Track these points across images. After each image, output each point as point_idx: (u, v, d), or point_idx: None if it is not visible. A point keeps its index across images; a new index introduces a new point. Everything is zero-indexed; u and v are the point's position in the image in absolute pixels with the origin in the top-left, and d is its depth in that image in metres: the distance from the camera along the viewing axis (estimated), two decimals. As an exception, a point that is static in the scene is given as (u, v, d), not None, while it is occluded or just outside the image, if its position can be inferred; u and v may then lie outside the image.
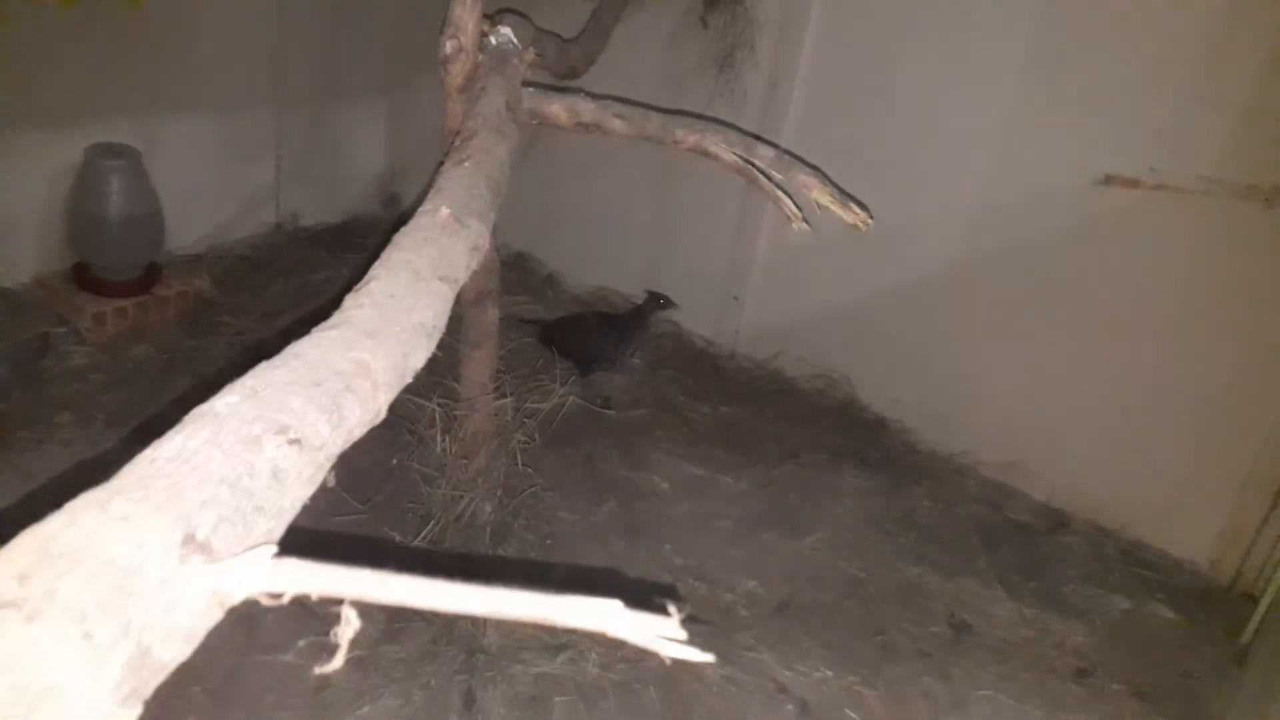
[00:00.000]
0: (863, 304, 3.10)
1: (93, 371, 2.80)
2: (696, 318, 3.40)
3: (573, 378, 2.92)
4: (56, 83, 2.93)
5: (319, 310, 1.04)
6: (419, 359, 1.13)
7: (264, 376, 0.87)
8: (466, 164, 1.52)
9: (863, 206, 2.05)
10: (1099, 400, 2.71)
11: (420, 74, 2.92)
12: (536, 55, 2.05)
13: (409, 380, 1.10)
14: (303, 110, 3.69)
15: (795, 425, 3.00)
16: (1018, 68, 2.66)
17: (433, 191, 1.45)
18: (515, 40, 1.99)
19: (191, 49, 3.26)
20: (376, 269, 1.19)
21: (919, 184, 2.90)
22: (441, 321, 1.20)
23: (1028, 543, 2.63)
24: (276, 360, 0.90)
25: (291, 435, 0.80)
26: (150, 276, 3.08)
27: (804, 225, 2.04)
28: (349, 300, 1.11)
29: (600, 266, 3.67)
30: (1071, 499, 2.78)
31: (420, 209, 1.38)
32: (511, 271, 3.50)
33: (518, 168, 1.82)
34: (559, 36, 2.33)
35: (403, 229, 1.32)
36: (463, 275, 1.33)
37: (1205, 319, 2.53)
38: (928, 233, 2.90)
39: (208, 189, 3.47)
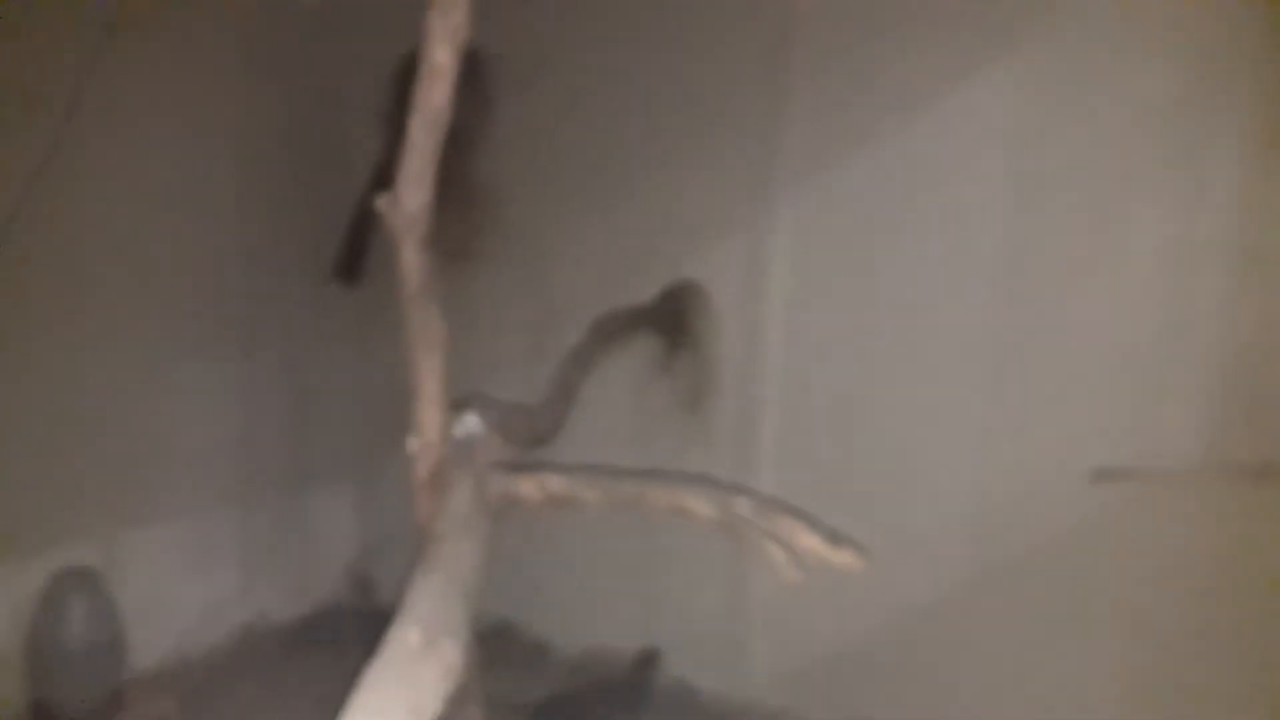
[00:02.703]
0: (877, 634, 2.91)
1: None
2: (699, 669, 3.18)
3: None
4: (17, 510, 2.91)
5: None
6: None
7: None
8: (437, 574, 1.45)
9: (854, 545, 1.97)
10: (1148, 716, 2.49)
11: (389, 451, 2.95)
12: (503, 439, 2.06)
13: None
14: (269, 503, 3.68)
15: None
16: (987, 373, 2.72)
17: (404, 610, 1.37)
18: (481, 426, 2.02)
19: (155, 458, 3.29)
20: (342, 722, 1.10)
21: (909, 501, 2.85)
22: (415, 775, 1.09)
23: None
24: None
25: None
26: (111, 705, 2.89)
27: (795, 573, 1.95)
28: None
29: (590, 624, 3.48)
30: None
31: (390, 634, 1.31)
32: (493, 643, 3.29)
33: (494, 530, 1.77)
34: (524, 408, 2.38)
35: (372, 663, 1.24)
36: (437, 705, 1.24)
37: (1231, 609, 2.39)
38: (928, 551, 2.80)
39: (172, 599, 3.35)
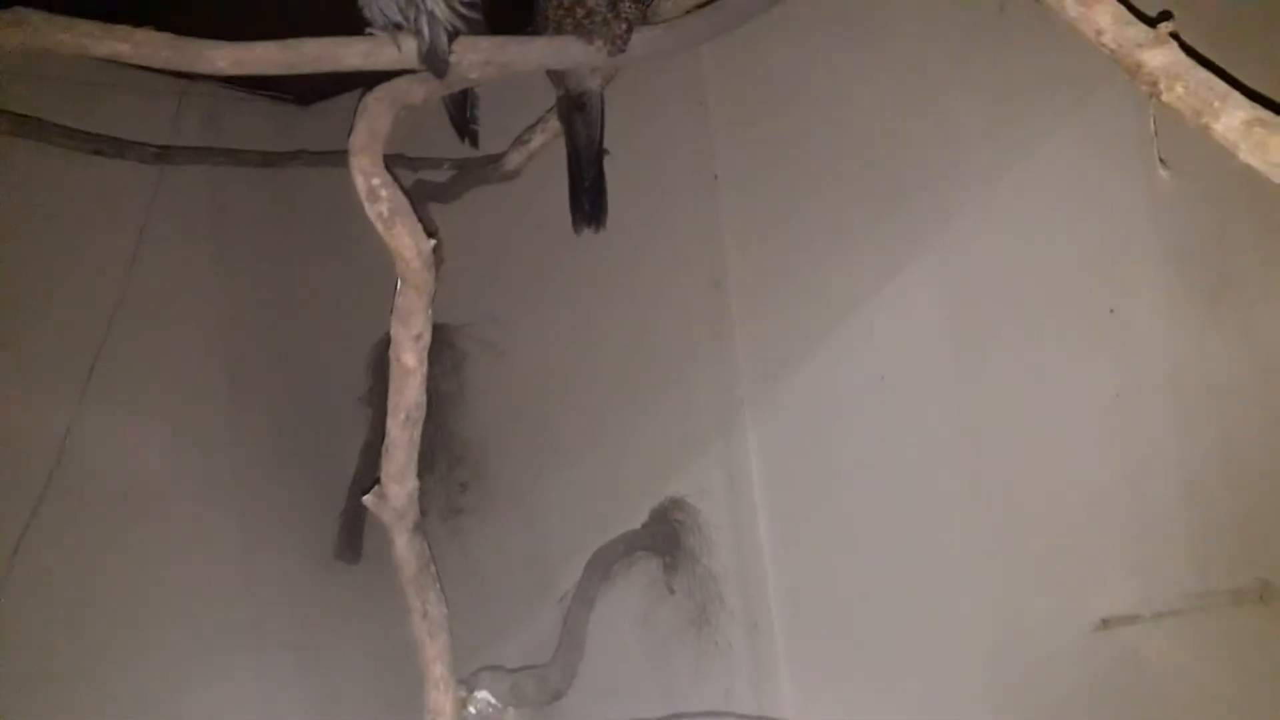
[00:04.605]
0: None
1: None
2: None
3: None
4: None
5: None
6: None
7: None
8: None
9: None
10: None
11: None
12: (517, 707, 2.09)
13: None
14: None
15: None
16: (973, 547, 2.76)
17: None
18: (494, 701, 2.05)
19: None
20: None
21: (925, 680, 2.81)
22: None
23: None
24: None
25: None
26: None
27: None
28: None
29: None
30: None
31: None
32: None
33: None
34: (534, 671, 2.40)
35: None
36: None
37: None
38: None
39: None
